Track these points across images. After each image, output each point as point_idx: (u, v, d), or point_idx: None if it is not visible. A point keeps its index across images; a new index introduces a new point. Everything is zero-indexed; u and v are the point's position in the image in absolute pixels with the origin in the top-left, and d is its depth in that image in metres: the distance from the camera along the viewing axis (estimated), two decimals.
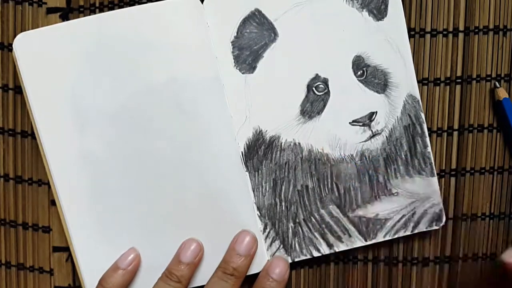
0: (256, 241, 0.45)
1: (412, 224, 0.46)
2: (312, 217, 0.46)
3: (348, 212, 0.46)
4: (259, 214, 0.46)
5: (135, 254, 0.45)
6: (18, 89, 0.46)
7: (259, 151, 0.46)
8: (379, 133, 0.46)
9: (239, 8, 0.45)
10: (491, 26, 0.48)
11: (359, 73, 0.46)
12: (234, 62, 0.45)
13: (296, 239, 0.46)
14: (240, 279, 0.45)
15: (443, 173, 0.48)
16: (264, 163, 0.46)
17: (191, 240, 0.45)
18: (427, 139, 0.47)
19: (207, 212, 0.45)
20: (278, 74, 0.45)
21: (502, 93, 0.47)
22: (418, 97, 0.47)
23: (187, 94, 0.45)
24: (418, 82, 0.47)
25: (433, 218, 0.47)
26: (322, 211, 0.46)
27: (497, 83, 0.48)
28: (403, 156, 0.46)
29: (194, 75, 0.45)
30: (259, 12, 0.45)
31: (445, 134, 0.48)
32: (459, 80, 0.48)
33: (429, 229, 0.47)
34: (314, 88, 0.46)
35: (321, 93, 0.46)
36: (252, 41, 0.45)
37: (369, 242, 0.47)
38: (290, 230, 0.46)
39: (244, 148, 0.46)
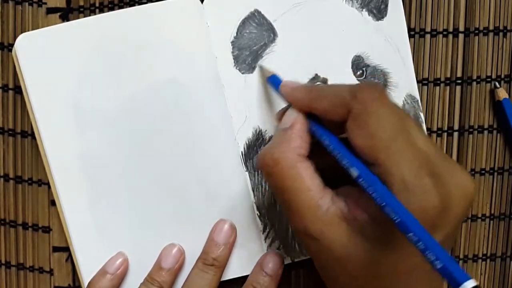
0: (234, 229, 0.46)
1: None
2: None
3: None
4: (258, 214, 0.46)
5: (123, 258, 0.45)
6: (18, 89, 0.47)
7: (259, 151, 0.46)
8: None
9: (239, 9, 0.45)
10: (491, 27, 0.48)
11: (358, 73, 0.46)
12: (234, 62, 0.45)
13: (296, 239, 0.46)
14: (221, 268, 0.45)
15: None
16: None
17: (172, 245, 0.45)
18: None
19: (207, 212, 0.45)
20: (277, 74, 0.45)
21: (502, 94, 0.47)
22: (418, 97, 0.47)
23: (186, 94, 0.45)
24: (418, 82, 0.47)
25: None
26: None
27: (497, 84, 0.48)
28: None
29: (194, 75, 0.45)
30: (259, 12, 0.45)
31: (445, 135, 0.48)
32: (459, 81, 0.48)
33: None
34: None
35: None
36: (252, 41, 0.45)
37: None
38: (290, 230, 0.46)
39: (244, 148, 0.46)
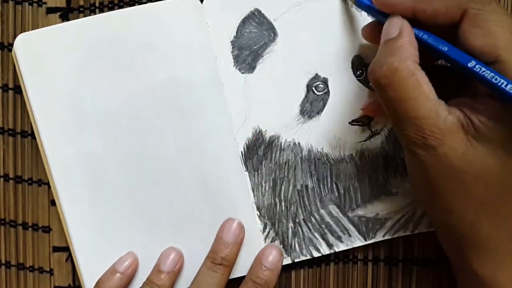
0: (242, 227, 0.45)
1: (412, 224, 0.46)
2: (312, 217, 0.46)
3: (347, 212, 0.46)
4: (258, 214, 0.46)
5: (133, 258, 0.45)
6: (18, 89, 0.47)
7: (258, 151, 0.46)
8: (378, 133, 0.46)
9: (239, 8, 0.45)
10: None
11: (358, 72, 0.46)
12: (234, 62, 0.45)
13: (296, 239, 0.46)
14: (230, 267, 0.45)
15: None
16: (264, 163, 0.46)
17: (171, 249, 0.45)
18: None
19: (207, 212, 0.45)
20: (277, 73, 0.45)
21: None
22: None
23: (186, 94, 0.45)
24: None
25: None
26: (322, 211, 0.46)
27: None
28: (402, 155, 0.46)
29: (194, 75, 0.45)
30: (259, 12, 0.45)
31: None
32: None
33: (430, 229, 0.46)
34: (313, 88, 0.46)
35: (320, 93, 0.46)
36: (252, 41, 0.45)
37: (368, 242, 0.46)
38: (290, 230, 0.46)
39: (244, 148, 0.46)
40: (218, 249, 0.45)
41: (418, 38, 0.37)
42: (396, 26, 0.37)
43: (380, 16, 0.40)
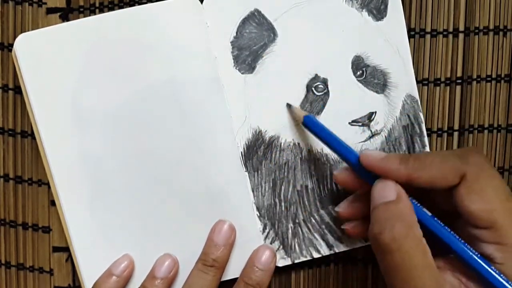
0: (234, 229, 0.45)
1: None
2: (311, 218, 0.46)
3: None
4: (258, 214, 0.46)
5: (129, 260, 0.45)
6: (18, 89, 0.47)
7: (258, 151, 0.46)
8: (378, 133, 0.46)
9: (239, 8, 0.45)
10: (491, 27, 0.48)
11: (358, 73, 0.46)
12: (234, 62, 0.45)
13: (296, 240, 0.46)
14: (221, 269, 0.45)
15: None
16: (264, 163, 0.46)
17: (166, 255, 0.45)
18: (426, 138, 0.47)
19: (206, 212, 0.45)
20: (277, 74, 0.45)
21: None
22: (417, 97, 0.47)
23: (186, 94, 0.45)
24: (418, 82, 0.47)
25: None
26: (322, 211, 0.46)
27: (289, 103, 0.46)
28: None
29: (194, 75, 0.45)
30: (259, 12, 0.45)
31: (445, 135, 0.48)
32: (459, 81, 0.48)
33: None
34: (313, 88, 0.46)
35: (320, 93, 0.46)
36: (252, 41, 0.45)
37: (369, 242, 0.46)
38: (290, 231, 0.46)
39: (244, 148, 0.46)
40: (209, 251, 0.45)
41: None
42: (391, 190, 0.37)
43: (363, 174, 0.39)
